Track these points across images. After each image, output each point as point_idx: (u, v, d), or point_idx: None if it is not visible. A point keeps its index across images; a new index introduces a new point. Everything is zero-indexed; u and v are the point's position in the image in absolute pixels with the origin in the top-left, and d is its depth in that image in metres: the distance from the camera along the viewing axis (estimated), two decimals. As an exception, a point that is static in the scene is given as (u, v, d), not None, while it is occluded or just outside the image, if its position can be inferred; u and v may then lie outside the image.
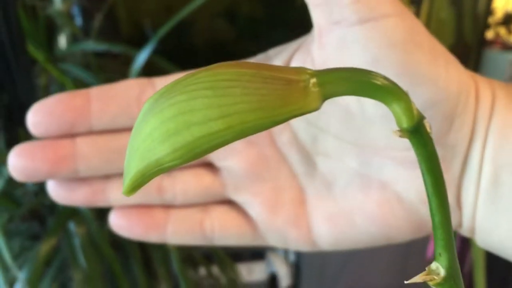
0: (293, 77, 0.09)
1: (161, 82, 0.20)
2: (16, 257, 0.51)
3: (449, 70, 0.16)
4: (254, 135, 0.18)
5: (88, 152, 0.19)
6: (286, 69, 0.09)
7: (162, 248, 0.52)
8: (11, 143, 0.57)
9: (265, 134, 0.20)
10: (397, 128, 0.09)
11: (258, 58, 0.20)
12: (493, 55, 1.28)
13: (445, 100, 0.16)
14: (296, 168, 0.20)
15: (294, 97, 0.09)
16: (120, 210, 0.20)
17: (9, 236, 0.48)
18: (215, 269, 0.64)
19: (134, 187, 0.09)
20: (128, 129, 0.19)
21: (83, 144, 0.19)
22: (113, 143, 0.19)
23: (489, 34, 1.34)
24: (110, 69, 0.65)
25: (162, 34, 0.50)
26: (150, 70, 0.51)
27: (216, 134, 0.09)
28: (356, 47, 0.16)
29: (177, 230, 0.20)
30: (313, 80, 0.09)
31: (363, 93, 0.09)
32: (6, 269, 0.44)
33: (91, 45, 0.52)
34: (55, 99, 0.19)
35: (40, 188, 0.60)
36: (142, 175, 0.09)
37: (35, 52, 0.50)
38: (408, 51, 0.16)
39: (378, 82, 0.09)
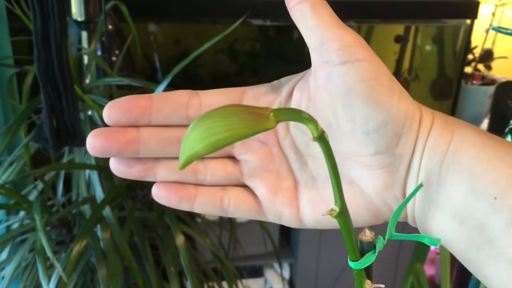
0: (262, 112, 0.19)
1: (204, 93, 0.26)
2: (47, 259, 0.59)
3: (400, 101, 0.22)
4: (265, 139, 0.27)
5: (148, 139, 0.24)
6: (259, 108, 0.19)
7: (171, 250, 0.60)
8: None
9: (274, 139, 0.26)
10: (312, 137, 0.19)
11: (273, 84, 0.26)
12: (473, 89, 1.39)
13: (395, 122, 0.22)
14: (293, 164, 0.26)
15: (262, 120, 0.18)
16: (162, 184, 0.26)
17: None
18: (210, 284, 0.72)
19: (185, 165, 0.19)
20: (177, 126, 0.25)
21: (145, 133, 0.24)
22: (166, 134, 0.25)
23: (469, 69, 1.45)
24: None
25: (176, 72, 0.59)
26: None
27: (225, 139, 0.18)
28: (337, 80, 0.22)
29: (202, 202, 0.26)
30: (272, 113, 0.19)
31: (296, 120, 0.19)
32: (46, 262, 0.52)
33: (116, 80, 0.62)
34: (126, 99, 0.24)
35: (67, 200, 0.69)
36: (190, 158, 0.19)
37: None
38: (373, 86, 0.22)
39: (303, 115, 0.19)
